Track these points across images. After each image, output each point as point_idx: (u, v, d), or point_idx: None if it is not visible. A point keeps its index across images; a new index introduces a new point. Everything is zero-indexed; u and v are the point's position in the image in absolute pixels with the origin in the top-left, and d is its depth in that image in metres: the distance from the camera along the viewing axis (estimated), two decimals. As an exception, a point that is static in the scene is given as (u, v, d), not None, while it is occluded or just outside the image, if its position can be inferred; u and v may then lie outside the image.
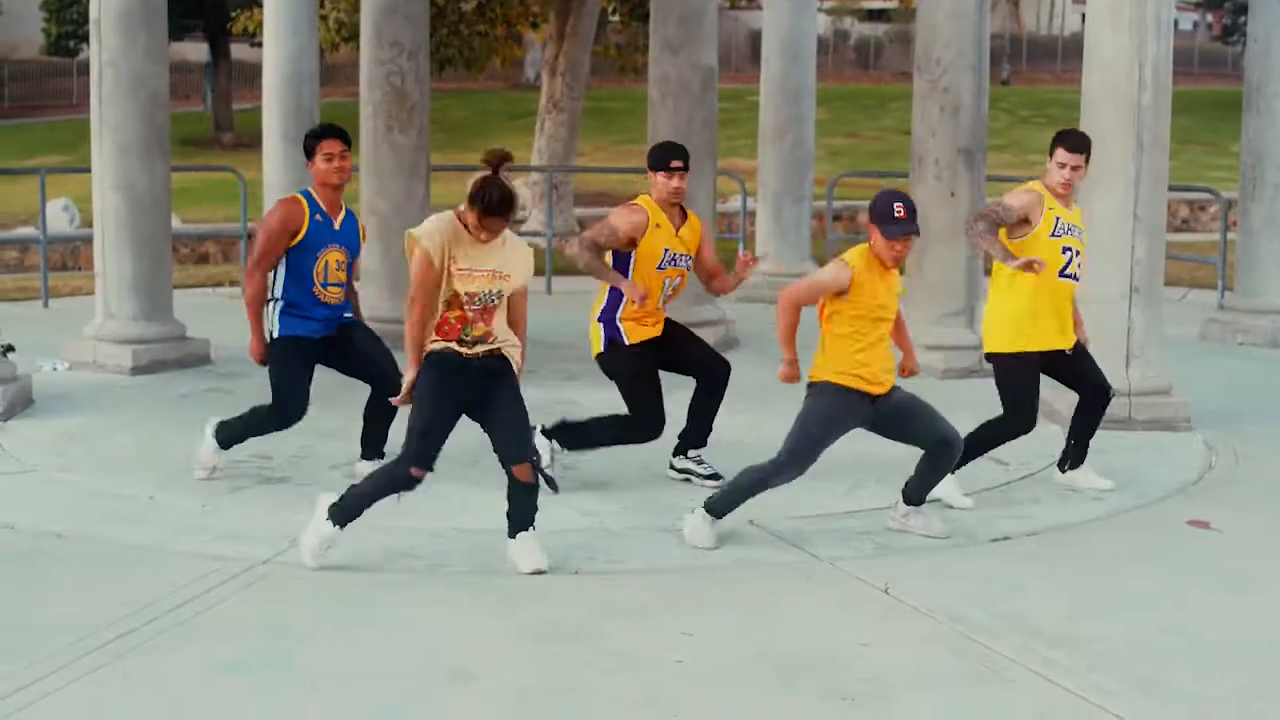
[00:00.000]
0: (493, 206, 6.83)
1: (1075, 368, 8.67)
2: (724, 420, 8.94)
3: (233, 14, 29.32)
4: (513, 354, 7.13)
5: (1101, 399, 8.74)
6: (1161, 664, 6.06)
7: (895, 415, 7.60)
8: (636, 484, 8.65)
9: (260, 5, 21.15)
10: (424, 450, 7.01)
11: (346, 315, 8.66)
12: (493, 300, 7.00)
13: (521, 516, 7.14)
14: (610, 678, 5.87)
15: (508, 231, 7.07)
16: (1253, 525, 8.20)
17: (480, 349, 7.03)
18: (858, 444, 9.02)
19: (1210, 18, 73.67)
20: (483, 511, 7.72)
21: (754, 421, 9.27)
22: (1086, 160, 8.57)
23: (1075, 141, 8.62)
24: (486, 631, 6.39)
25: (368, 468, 8.44)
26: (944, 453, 7.67)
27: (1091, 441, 8.78)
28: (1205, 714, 5.60)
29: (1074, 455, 8.80)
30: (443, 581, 7.03)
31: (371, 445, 8.79)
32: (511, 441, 7.09)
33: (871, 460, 8.53)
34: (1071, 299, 8.60)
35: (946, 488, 8.29)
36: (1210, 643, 6.35)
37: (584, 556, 7.30)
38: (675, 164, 8.53)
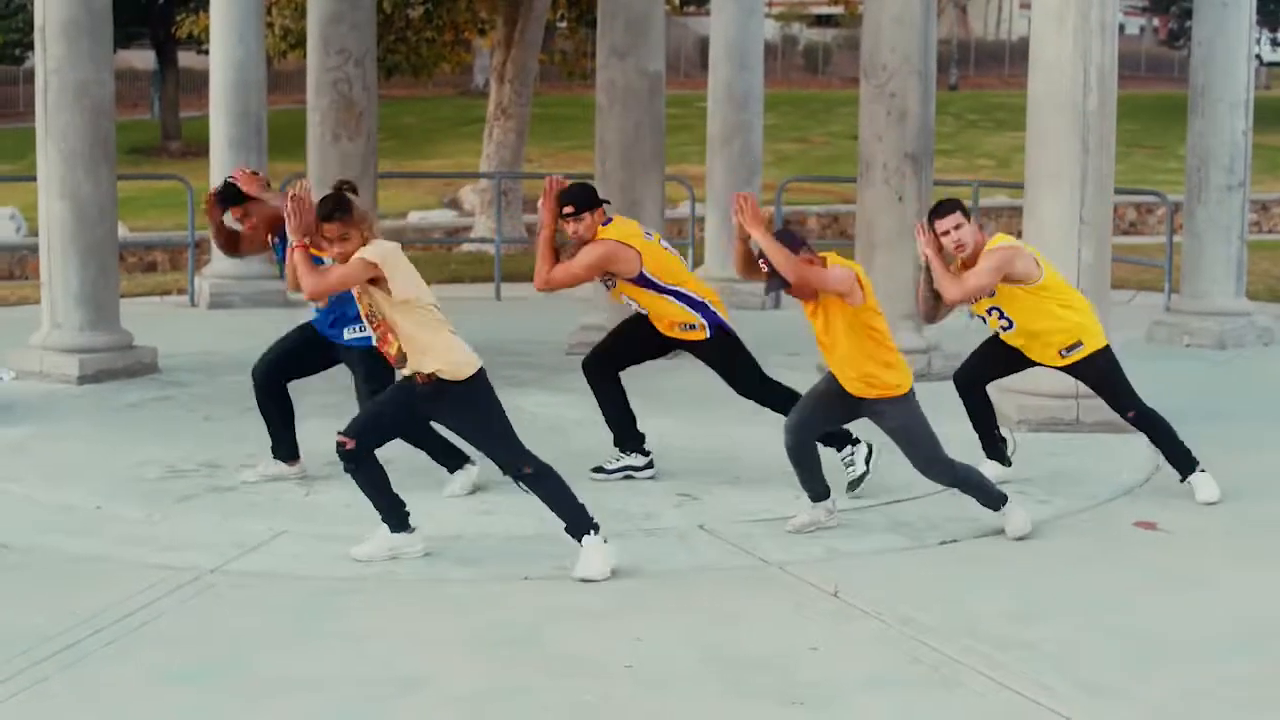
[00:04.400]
0: None
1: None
2: (670, 427, 9.23)
3: (177, 17, 29.09)
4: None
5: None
6: (1109, 665, 6.10)
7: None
8: (583, 490, 8.60)
9: (204, 9, 21.06)
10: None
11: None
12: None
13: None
14: (561, 683, 5.87)
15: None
16: (1199, 526, 8.25)
17: None
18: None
19: (1157, 22, 74.17)
20: (432, 519, 7.69)
21: (696, 432, 9.38)
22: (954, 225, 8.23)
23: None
24: (437, 638, 6.38)
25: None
26: None
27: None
28: (1153, 715, 5.63)
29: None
30: (393, 589, 7.01)
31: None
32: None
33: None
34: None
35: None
36: (1157, 643, 6.39)
37: (533, 562, 7.28)
38: (566, 210, 8.50)
